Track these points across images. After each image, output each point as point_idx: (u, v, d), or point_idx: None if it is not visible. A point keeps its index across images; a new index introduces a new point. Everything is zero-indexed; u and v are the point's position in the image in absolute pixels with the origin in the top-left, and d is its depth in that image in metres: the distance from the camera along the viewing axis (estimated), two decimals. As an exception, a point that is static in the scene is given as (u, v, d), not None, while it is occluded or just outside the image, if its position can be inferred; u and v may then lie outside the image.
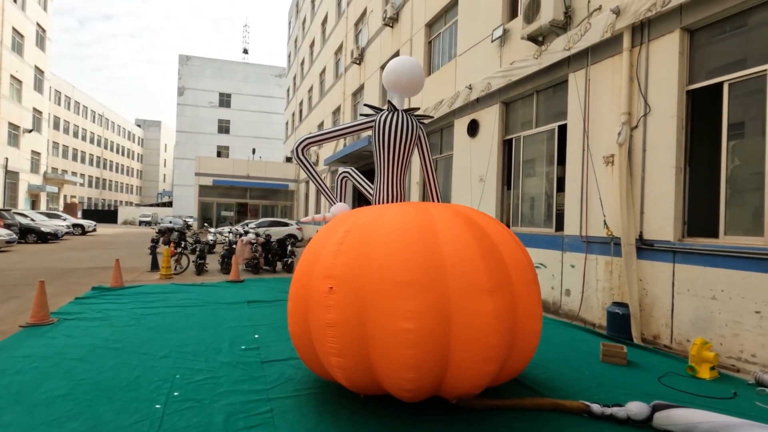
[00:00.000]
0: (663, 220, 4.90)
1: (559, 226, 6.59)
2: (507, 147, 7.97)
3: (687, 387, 3.59)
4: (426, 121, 4.54)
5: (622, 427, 2.85)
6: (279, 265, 11.19)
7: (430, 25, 11.01)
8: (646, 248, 5.04)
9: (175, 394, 3.21)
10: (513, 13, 7.85)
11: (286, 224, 20.16)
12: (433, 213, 3.04)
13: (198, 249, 10.24)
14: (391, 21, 12.97)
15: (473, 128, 8.57)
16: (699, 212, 4.83)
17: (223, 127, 47.92)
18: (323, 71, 22.68)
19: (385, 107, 4.02)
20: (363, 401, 3.15)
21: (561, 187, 6.60)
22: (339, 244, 2.95)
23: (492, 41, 7.96)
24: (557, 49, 6.27)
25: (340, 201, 4.48)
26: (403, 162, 4.03)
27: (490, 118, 8.12)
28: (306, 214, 25.42)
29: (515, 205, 7.71)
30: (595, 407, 2.96)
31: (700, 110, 4.89)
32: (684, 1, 4.64)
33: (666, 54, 4.95)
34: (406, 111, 3.99)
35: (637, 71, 5.25)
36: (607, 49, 5.65)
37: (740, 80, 4.36)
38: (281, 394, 3.30)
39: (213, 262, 11.92)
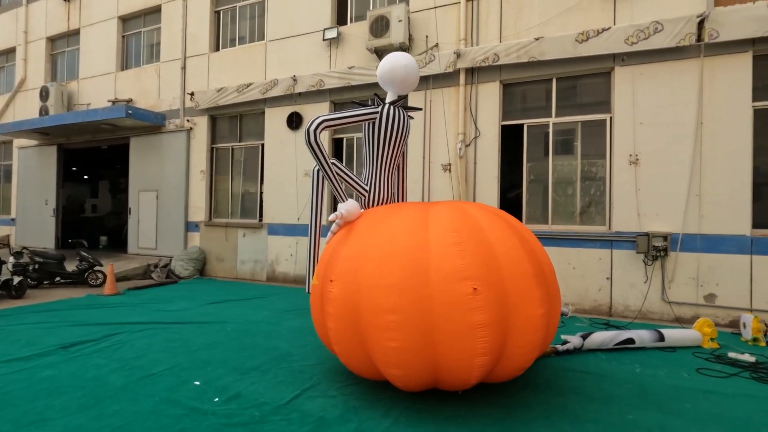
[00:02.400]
0: (489, 214, 6.88)
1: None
2: (338, 146, 8.39)
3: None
4: (413, 114, 4.58)
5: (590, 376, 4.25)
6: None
7: (218, -7, 9.69)
8: (478, 235, 6.90)
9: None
10: (341, 18, 8.31)
11: None
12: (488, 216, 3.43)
13: None
14: (147, -35, 10.35)
15: (294, 121, 8.42)
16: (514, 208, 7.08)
17: None
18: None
19: (370, 101, 3.91)
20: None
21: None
22: (456, 244, 2.86)
23: (324, 39, 8.12)
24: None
25: (321, 201, 3.91)
26: (397, 157, 4.03)
27: (318, 114, 8.24)
28: None
29: (347, 200, 8.26)
30: (559, 347, 4.23)
31: (511, 139, 7.14)
32: (502, 64, 6.68)
33: (490, 96, 6.92)
34: (396, 104, 4.00)
35: (470, 103, 7.04)
36: (447, 80, 7.20)
37: (534, 124, 6.80)
38: None
39: None
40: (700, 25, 5.59)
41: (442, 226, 2.98)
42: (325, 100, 8.21)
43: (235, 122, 9.46)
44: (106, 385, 3.27)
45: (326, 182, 3.86)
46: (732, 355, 4.29)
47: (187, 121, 9.72)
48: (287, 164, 8.53)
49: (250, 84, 8.73)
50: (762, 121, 5.58)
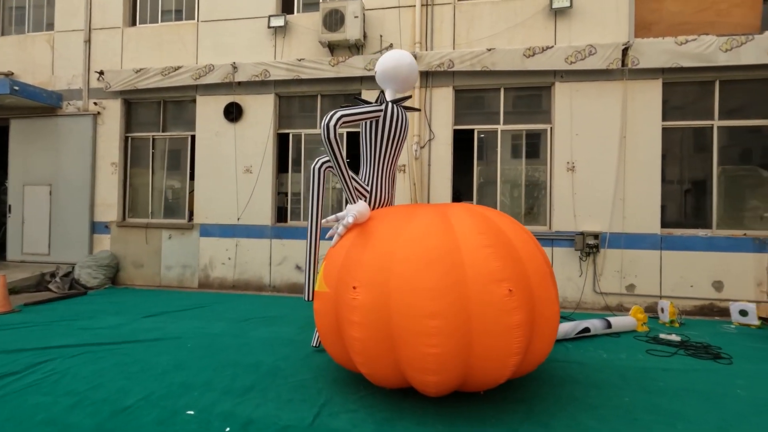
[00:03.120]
0: (443, 214, 7.10)
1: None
2: (282, 141, 7.90)
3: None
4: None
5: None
6: None
7: (135, -40, 8.44)
8: (433, 235, 7.08)
9: None
10: (287, 6, 7.85)
11: None
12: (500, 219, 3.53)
13: None
14: None
15: (234, 112, 7.72)
16: None
17: None
18: None
19: (376, 99, 3.79)
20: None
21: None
22: (488, 246, 2.88)
23: (269, 27, 7.57)
24: (357, 65, 7.17)
25: (321, 201, 3.63)
26: (396, 157, 3.95)
27: (262, 107, 7.69)
28: None
29: (296, 199, 7.84)
30: (535, 339, 4.53)
31: (462, 142, 7.42)
32: (456, 70, 6.95)
33: (443, 100, 7.14)
34: (398, 102, 3.93)
35: (424, 105, 7.17)
36: (402, 81, 7.23)
37: (484, 130, 7.19)
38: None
39: None
40: (625, 52, 6.46)
41: (468, 228, 2.99)
42: (269, 92, 7.67)
43: (157, 109, 8.34)
44: (71, 428, 2.63)
45: (323, 181, 3.60)
46: (662, 336, 5.04)
47: (94, 104, 8.30)
48: (225, 159, 7.79)
49: (179, 67, 7.78)
50: (668, 137, 6.65)
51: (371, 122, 3.74)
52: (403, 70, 3.82)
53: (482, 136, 7.22)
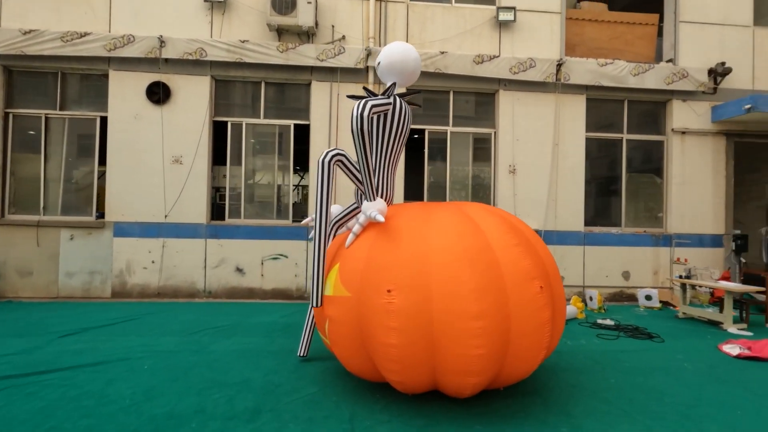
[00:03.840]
0: (396, 213, 7.10)
1: (296, 217, 7.12)
2: (220, 130, 7.09)
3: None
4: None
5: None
6: None
7: None
8: (386, 233, 7.03)
9: None
10: (224, -19, 7.06)
11: None
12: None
13: None
14: None
15: (158, 93, 6.71)
16: None
17: None
18: None
19: (384, 92, 3.62)
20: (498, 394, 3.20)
21: (299, 181, 7.13)
22: (516, 245, 2.94)
23: (205, 0, 6.72)
24: (309, 54, 6.77)
25: (330, 197, 3.31)
26: (399, 154, 3.82)
27: (195, 90, 6.81)
28: None
29: (236, 195, 7.11)
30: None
31: (413, 142, 7.45)
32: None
33: (396, 98, 7.12)
34: (403, 97, 3.79)
35: (378, 103, 7.06)
36: (356, 76, 7.02)
37: (434, 131, 7.35)
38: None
39: None
40: (558, 67, 7.18)
41: (494, 228, 3.02)
42: (204, 73, 6.82)
43: (53, 82, 6.84)
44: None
45: (333, 175, 3.30)
46: (599, 321, 5.73)
47: (-43, 68, 6.49)
48: (149, 147, 6.72)
49: (86, 34, 6.48)
50: (589, 146, 7.57)
51: (381, 116, 3.54)
52: (410, 65, 3.70)
53: (433, 137, 7.38)
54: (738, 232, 7.36)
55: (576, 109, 7.39)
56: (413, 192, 7.49)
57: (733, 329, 5.42)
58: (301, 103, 7.19)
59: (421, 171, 7.42)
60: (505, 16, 7.14)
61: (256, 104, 7.11)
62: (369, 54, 6.86)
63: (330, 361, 3.86)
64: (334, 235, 3.93)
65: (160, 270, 6.70)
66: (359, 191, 3.60)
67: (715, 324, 5.67)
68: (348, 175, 3.45)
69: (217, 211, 7.16)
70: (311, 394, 3.15)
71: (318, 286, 3.17)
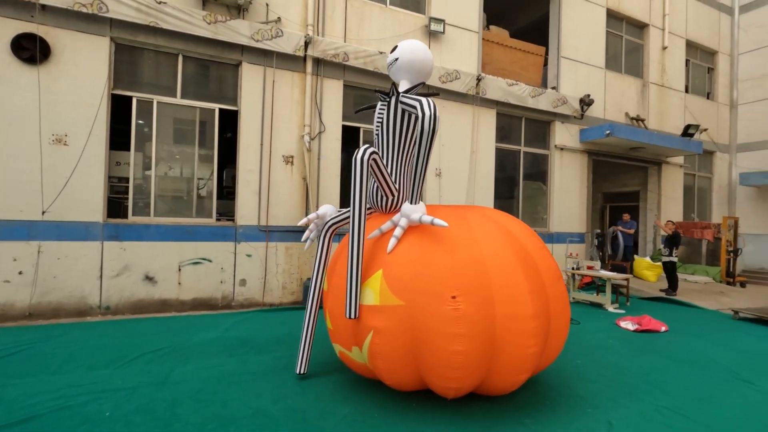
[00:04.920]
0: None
1: (222, 215, 6.24)
2: (122, 107, 5.72)
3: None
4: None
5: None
6: None
7: None
8: (323, 233, 6.70)
9: None
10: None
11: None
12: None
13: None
14: None
15: (30, 49, 5.09)
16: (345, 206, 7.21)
17: None
18: None
19: (416, 91, 3.52)
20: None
21: (224, 175, 6.24)
22: (542, 248, 3.19)
23: (106, -58, 5.33)
24: (242, 32, 6.00)
25: (366, 197, 3.03)
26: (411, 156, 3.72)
27: (87, 52, 5.36)
28: None
29: (143, 187, 5.83)
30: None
31: (350, 140, 7.21)
32: (350, 65, 6.82)
33: (334, 92, 6.85)
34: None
35: (315, 94, 6.68)
36: (294, 63, 6.49)
37: (368, 130, 7.29)
38: None
39: None
40: (478, 82, 7.92)
41: (520, 231, 3.24)
42: (102, 33, 5.43)
43: None
44: None
45: (369, 174, 3.03)
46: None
47: None
48: (15, 120, 5.02)
49: None
50: (498, 155, 8.54)
51: (402, 117, 3.40)
52: (428, 65, 3.62)
53: (368, 136, 7.33)
54: (599, 231, 9.28)
55: (489, 121, 8.26)
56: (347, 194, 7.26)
57: (611, 309, 6.83)
58: (229, 86, 6.33)
59: (355, 170, 7.28)
60: (435, 26, 7.53)
61: (171, 80, 5.97)
62: (308, 43, 6.44)
63: (334, 374, 3.56)
64: (330, 238, 3.63)
65: (33, 283, 5.09)
66: (381, 193, 3.40)
67: (598, 305, 7.06)
68: (377, 176, 3.22)
69: (115, 207, 5.78)
70: (349, 415, 2.87)
71: (355, 296, 2.90)
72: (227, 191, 7.00)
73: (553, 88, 9.16)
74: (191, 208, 6.13)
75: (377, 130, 3.55)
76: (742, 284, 9.98)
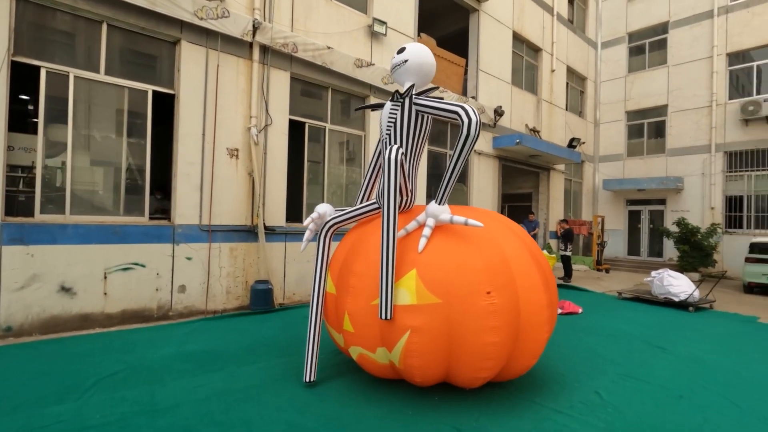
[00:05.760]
0: (278, 210, 6.47)
1: (156, 214, 5.44)
2: (25, 79, 4.57)
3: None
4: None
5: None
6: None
7: None
8: (269, 232, 6.31)
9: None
10: None
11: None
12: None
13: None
14: None
15: None
16: (291, 204, 6.87)
17: None
18: None
19: (422, 94, 3.60)
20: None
21: (158, 166, 5.45)
22: (537, 246, 3.57)
23: None
24: (182, 5, 5.31)
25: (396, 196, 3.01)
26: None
27: (-21, 4, 4.19)
28: None
29: (54, 181, 4.76)
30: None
31: (296, 134, 6.84)
32: (298, 56, 6.54)
33: (281, 84, 6.48)
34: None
35: (263, 84, 6.23)
36: (239, 48, 5.96)
37: (314, 126, 7.06)
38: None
39: None
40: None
41: (520, 231, 3.58)
42: (0, -17, 4.30)
43: None
44: None
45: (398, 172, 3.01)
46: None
47: None
48: None
49: None
50: (430, 157, 9.01)
51: (416, 119, 3.45)
52: (434, 69, 3.72)
53: (312, 132, 7.09)
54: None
55: (422, 124, 8.66)
56: (293, 190, 6.94)
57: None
58: (165, 66, 5.55)
59: (301, 166, 7.01)
60: (378, 28, 7.63)
61: (93, 53, 5.00)
62: (257, 28, 5.99)
63: (340, 379, 3.47)
64: (330, 238, 3.55)
65: None
66: (398, 193, 3.41)
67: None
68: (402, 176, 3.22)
69: (15, 203, 4.63)
70: (386, 415, 2.85)
71: (390, 296, 2.89)
72: (163, 186, 6.10)
73: (473, 97, 10.01)
74: (119, 205, 5.23)
75: (388, 130, 3.54)
76: (607, 270, 12.23)
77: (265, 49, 6.24)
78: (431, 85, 3.45)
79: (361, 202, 4.16)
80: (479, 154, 10.05)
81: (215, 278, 5.79)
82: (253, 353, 4.12)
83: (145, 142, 5.38)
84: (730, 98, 12.42)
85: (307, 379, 3.32)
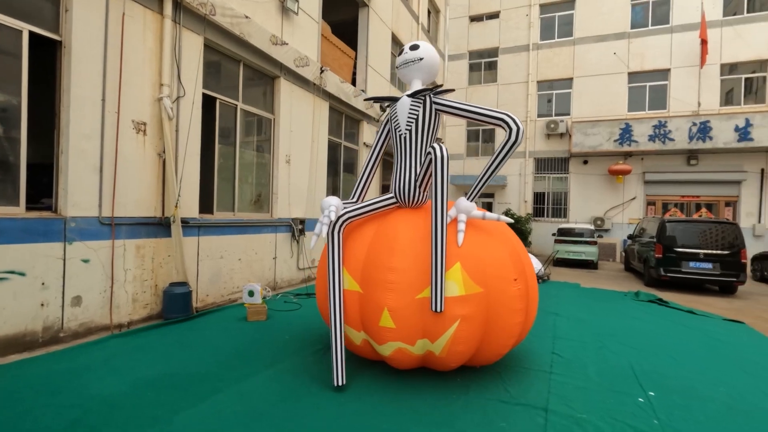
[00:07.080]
0: (191, 199, 5.50)
1: (36, 202, 3.97)
2: None
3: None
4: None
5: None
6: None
7: None
8: (183, 225, 5.32)
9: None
10: None
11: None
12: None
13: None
14: None
15: None
16: (204, 193, 5.86)
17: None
18: None
19: (425, 91, 3.71)
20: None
21: (40, 137, 3.96)
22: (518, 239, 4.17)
23: None
24: (81, -75, 3.99)
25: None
26: None
27: None
28: None
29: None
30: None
31: (206, 111, 5.79)
32: (215, 21, 5.63)
33: (194, 50, 5.47)
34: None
35: (175, 48, 5.14)
36: (150, 0, 4.77)
37: (226, 103, 6.16)
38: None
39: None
40: (321, 72, 8.06)
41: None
42: None
43: None
44: None
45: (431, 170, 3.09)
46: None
47: None
48: None
49: None
50: (329, 147, 8.91)
51: (435, 118, 3.56)
52: (438, 68, 3.85)
53: (224, 110, 6.19)
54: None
55: (324, 113, 8.52)
56: (204, 176, 5.91)
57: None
58: (47, 3, 4.04)
59: (212, 149, 6.06)
60: (291, 5, 7.12)
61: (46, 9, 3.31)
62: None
63: (370, 370, 3.39)
64: (342, 232, 3.44)
65: None
66: (412, 188, 3.47)
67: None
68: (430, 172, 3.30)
69: None
70: (457, 402, 2.98)
71: (441, 288, 3.00)
72: (46, 166, 4.30)
73: (363, 90, 10.28)
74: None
75: (408, 127, 3.56)
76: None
77: (177, 5, 5.16)
78: (449, 87, 3.61)
79: (358, 197, 4.05)
80: (367, 146, 10.43)
81: (119, 284, 4.61)
82: (234, 366, 3.57)
83: (19, 102, 3.86)
84: (539, 116, 16.03)
85: (339, 383, 3.13)
